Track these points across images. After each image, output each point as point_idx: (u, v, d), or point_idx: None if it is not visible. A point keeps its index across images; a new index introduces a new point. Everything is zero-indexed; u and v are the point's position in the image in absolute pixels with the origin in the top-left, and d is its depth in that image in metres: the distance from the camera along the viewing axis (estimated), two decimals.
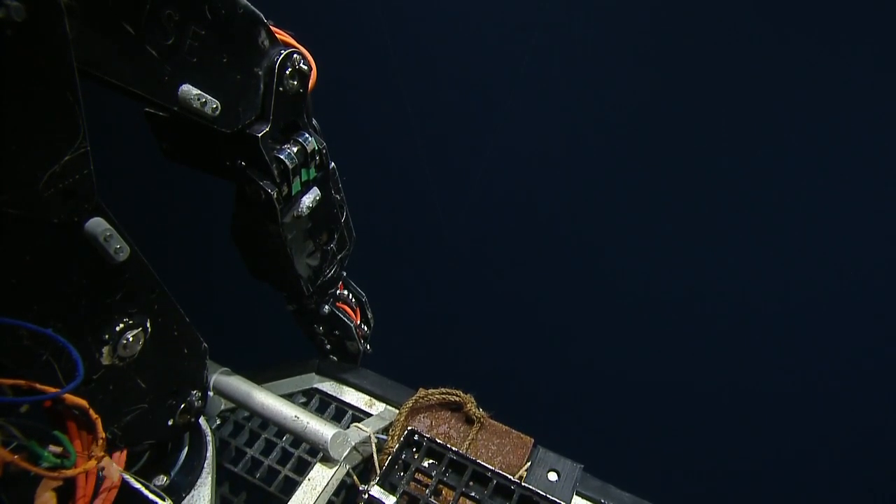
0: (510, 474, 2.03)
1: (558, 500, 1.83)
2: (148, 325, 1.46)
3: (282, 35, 1.66)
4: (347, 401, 2.36)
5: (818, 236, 4.66)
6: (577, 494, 2.01)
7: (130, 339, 1.40)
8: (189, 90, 1.35)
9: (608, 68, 4.78)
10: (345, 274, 2.34)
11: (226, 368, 2.08)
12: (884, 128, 4.38)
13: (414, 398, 2.17)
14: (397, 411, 2.19)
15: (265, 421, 2.17)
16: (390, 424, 2.17)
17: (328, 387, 2.41)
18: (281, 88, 1.63)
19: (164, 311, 1.52)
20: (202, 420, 1.87)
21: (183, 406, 1.67)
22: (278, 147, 1.74)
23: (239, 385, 2.00)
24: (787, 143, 4.65)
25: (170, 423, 1.62)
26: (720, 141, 4.77)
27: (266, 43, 1.55)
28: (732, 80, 4.62)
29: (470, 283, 5.15)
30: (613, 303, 5.01)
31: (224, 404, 2.24)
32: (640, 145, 4.88)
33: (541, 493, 1.84)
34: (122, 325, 1.38)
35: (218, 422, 2.27)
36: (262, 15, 1.50)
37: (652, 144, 4.86)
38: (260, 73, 1.56)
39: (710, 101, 4.68)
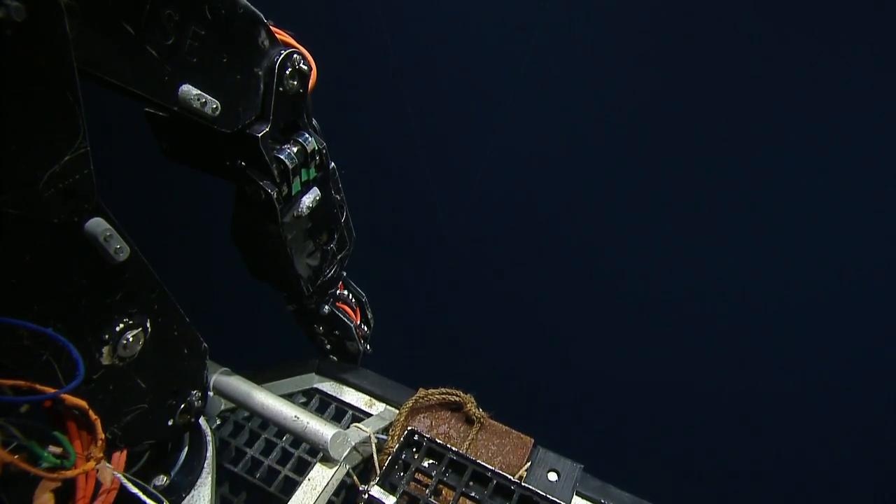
0: (510, 474, 2.02)
1: (558, 500, 1.83)
2: (148, 325, 1.46)
3: (282, 35, 1.66)
4: (347, 401, 2.36)
5: (818, 236, 4.66)
6: (577, 494, 2.01)
7: (130, 339, 1.39)
8: (189, 90, 1.35)
9: (608, 68, 4.78)
10: (345, 274, 2.34)
11: (226, 368, 2.08)
12: (884, 128, 4.38)
13: (414, 398, 2.17)
14: (397, 411, 2.19)
15: (265, 421, 2.18)
16: (390, 424, 2.17)
17: (328, 387, 2.41)
18: (281, 88, 1.63)
19: (164, 311, 1.52)
20: (202, 420, 1.87)
21: (183, 406, 1.67)
22: (278, 147, 1.74)
23: (239, 385, 2.00)
24: (787, 143, 4.65)
25: (170, 423, 1.62)
26: (720, 141, 4.77)
27: (266, 43, 1.55)
28: (732, 81, 4.62)
29: (470, 283, 5.14)
30: (613, 303, 5.01)
31: (224, 404, 2.24)
32: (640, 145, 4.88)
33: (541, 493, 1.84)
34: (122, 325, 1.38)
35: (218, 422, 2.27)
36: (262, 15, 1.50)
37: (652, 144, 4.86)
38: (260, 73, 1.56)
39: (709, 101, 4.68)
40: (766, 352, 4.87)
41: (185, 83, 1.34)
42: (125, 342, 1.38)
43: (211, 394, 1.98)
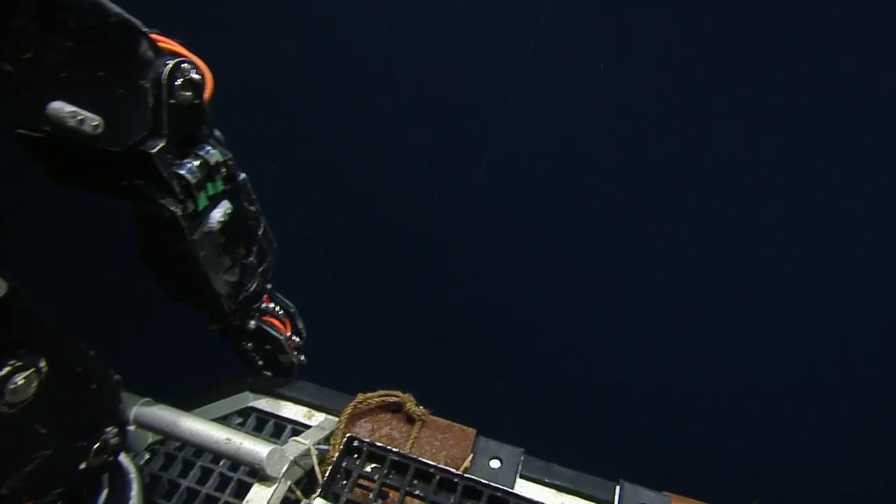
0: (455, 467, 2.06)
1: (501, 486, 1.88)
2: (42, 364, 1.34)
3: (168, 44, 1.57)
4: (285, 415, 2.30)
5: (809, 236, 4.66)
6: (520, 477, 2.07)
7: (20, 383, 1.28)
8: (61, 107, 1.24)
9: (610, 67, 4.75)
10: (269, 286, 2.27)
11: (147, 398, 1.97)
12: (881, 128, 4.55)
13: (352, 404, 2.15)
14: (338, 420, 2.17)
15: (199, 448, 2.08)
16: (331, 434, 2.14)
17: (264, 403, 2.34)
18: (173, 100, 1.54)
19: (61, 348, 1.41)
20: (123, 457, 1.76)
21: (97, 446, 1.55)
22: (178, 162, 1.65)
23: (163, 414, 1.89)
24: (784, 144, 4.70)
25: (82, 466, 1.51)
26: (720, 141, 4.78)
27: (149, 53, 1.46)
28: (728, 83, 4.69)
29: (402, 278, 5.01)
30: (545, 285, 5.00)
31: (152, 437, 2.12)
32: (639, 146, 4.84)
33: (484, 481, 1.88)
34: (8, 368, 1.26)
35: (147, 456, 2.15)
36: (139, 23, 1.40)
37: (650, 146, 4.82)
38: (146, 85, 1.47)
39: (711, 101, 4.71)
40: (697, 330, 4.94)
41: (54, 100, 1.23)
42: (13, 386, 1.26)
43: (132, 427, 1.86)
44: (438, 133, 4.92)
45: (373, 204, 4.87)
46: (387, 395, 2.17)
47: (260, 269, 2.12)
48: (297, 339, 2.41)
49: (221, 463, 2.16)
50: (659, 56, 4.82)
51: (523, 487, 2.03)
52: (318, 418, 2.27)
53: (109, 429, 1.60)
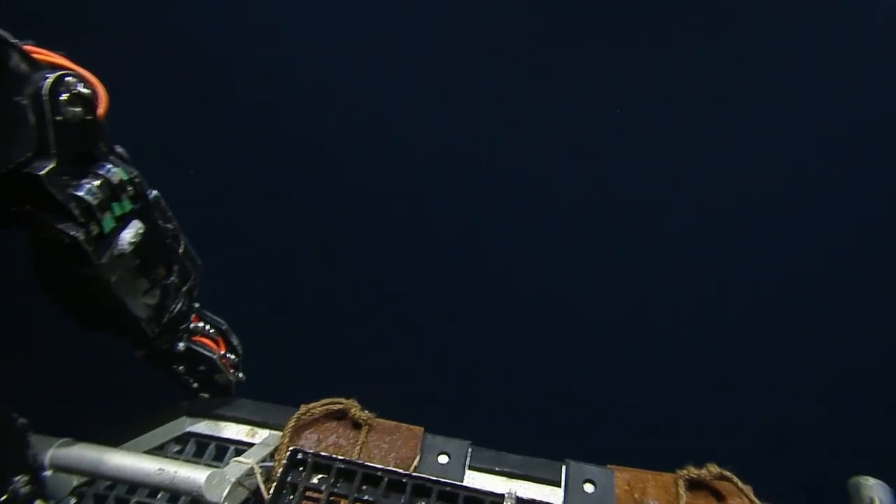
0: (405, 467, 2.06)
1: (450, 480, 1.90)
2: None
3: (48, 56, 1.46)
4: (227, 436, 2.21)
5: (809, 236, 4.69)
6: (469, 469, 2.09)
7: None
8: None
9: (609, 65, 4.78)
10: (197, 305, 2.17)
11: (66, 439, 1.83)
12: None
13: (296, 416, 2.10)
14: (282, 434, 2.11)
15: (132, 484, 1.97)
16: (276, 449, 2.08)
17: (203, 427, 2.23)
18: (59, 117, 1.43)
19: None
20: None
21: (4, 498, 1.43)
22: (75, 183, 1.54)
23: (82, 453, 1.77)
24: (782, 144, 4.77)
25: None
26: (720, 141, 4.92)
27: (23, 67, 1.34)
28: (726, 83, 4.78)
29: (328, 282, 4.85)
30: (490, 289, 4.94)
31: (77, 479, 1.97)
32: (638, 146, 4.86)
33: (432, 478, 1.89)
34: None
35: (73, 501, 2.00)
36: (6, 34, 1.29)
37: (649, 145, 4.86)
38: (24, 102, 1.35)
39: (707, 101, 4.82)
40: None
41: None
42: None
43: (48, 472, 1.73)
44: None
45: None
46: (330, 404, 2.13)
47: (184, 289, 2.02)
48: (233, 357, 2.32)
49: (160, 496, 2.06)
50: (658, 55, 4.91)
51: (473, 479, 2.05)
52: (261, 435, 2.20)
53: (18, 478, 1.48)
